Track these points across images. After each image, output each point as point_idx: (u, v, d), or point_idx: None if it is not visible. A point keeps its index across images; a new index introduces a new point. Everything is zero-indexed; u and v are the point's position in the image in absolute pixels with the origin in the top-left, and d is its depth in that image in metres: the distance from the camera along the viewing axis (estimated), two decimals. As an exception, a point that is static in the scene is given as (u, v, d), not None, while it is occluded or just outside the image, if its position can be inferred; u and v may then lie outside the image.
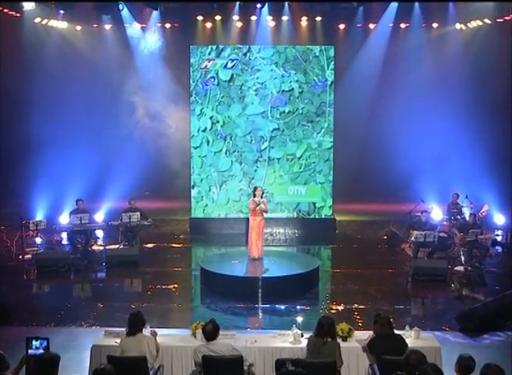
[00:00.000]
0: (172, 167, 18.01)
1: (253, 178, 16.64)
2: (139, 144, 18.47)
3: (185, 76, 16.84)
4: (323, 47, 16.52)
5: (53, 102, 17.78)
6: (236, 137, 16.69)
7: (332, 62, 16.44)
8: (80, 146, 17.72)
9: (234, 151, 16.73)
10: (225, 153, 16.74)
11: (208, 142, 16.73)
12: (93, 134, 18.17)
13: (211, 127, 16.69)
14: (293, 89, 16.54)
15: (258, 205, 12.46)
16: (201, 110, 16.66)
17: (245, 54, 16.51)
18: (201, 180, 16.82)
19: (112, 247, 14.70)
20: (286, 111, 16.60)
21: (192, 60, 16.43)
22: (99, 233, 15.82)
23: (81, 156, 17.57)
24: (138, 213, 14.78)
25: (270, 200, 15.67)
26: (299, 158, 16.70)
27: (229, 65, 16.44)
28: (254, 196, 12.59)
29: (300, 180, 16.70)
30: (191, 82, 16.50)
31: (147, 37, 18.42)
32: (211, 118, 16.66)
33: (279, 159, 16.73)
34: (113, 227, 15.03)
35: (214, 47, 16.53)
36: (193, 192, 16.80)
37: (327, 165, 16.68)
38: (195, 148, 16.75)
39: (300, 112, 16.60)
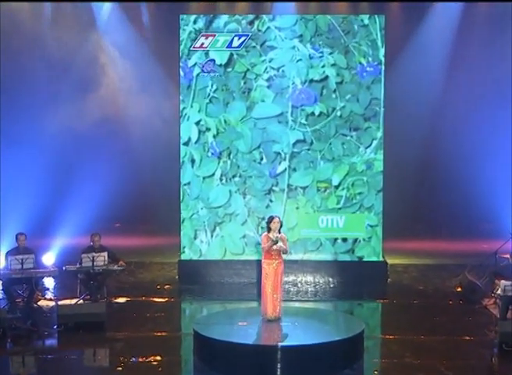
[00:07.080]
0: (154, 190, 18.05)
1: (263, 218, 15.81)
2: (106, 157, 18.58)
3: (172, 59, 16.73)
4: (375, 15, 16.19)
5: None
6: (237, 153, 16.33)
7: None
8: (21, 157, 17.85)
9: (234, 177, 16.37)
10: (221, 179, 16.38)
11: (192, 162, 16.30)
12: (39, 140, 18.37)
13: (198, 138, 16.27)
14: (327, 77, 16.22)
15: (275, 242, 12.23)
16: (182, 111, 16.27)
17: (251, 22, 16.11)
18: (183, 220, 16.44)
19: (68, 302, 14.45)
20: (317, 113, 16.24)
21: (182, 36, 16.15)
22: (48, 282, 15.82)
23: (23, 172, 17.70)
24: (105, 254, 14.59)
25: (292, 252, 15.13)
26: (337, 187, 16.29)
27: (236, 43, 16.09)
28: (269, 230, 12.39)
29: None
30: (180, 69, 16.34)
31: (120, 6, 18.62)
32: (197, 123, 16.26)
33: (304, 189, 16.34)
34: (69, 274, 14.78)
35: (202, 15, 16.25)
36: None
37: (380, 198, 16.18)
38: (173, 169, 16.69)
39: (339, 114, 16.18)
